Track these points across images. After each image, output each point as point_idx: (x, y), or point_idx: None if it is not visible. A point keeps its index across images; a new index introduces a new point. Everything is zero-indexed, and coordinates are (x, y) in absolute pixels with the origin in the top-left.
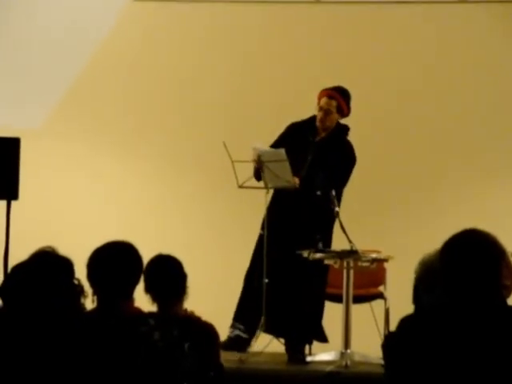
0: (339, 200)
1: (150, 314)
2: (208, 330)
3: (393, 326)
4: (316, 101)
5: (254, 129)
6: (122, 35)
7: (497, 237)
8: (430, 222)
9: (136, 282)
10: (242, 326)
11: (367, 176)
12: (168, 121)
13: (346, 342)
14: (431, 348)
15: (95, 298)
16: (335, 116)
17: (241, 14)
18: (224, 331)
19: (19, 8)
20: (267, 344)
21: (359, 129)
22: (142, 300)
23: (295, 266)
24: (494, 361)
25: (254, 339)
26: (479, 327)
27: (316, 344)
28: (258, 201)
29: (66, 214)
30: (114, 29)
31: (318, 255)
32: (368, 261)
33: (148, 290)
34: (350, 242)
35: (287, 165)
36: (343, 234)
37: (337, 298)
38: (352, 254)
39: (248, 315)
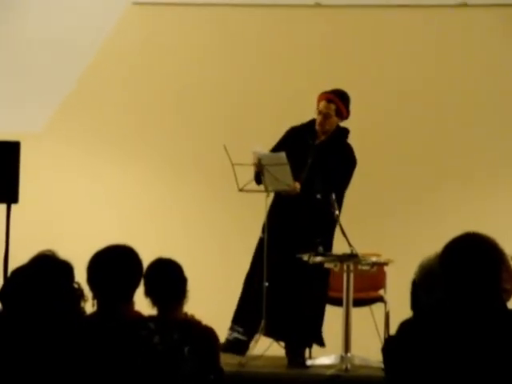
0: (341, 203)
1: (150, 318)
2: (208, 333)
3: (393, 330)
4: (315, 104)
5: (255, 132)
6: (122, 38)
7: (497, 240)
8: (430, 225)
9: (136, 286)
10: (240, 329)
11: (367, 179)
12: (168, 124)
13: (346, 346)
14: (431, 352)
15: (95, 301)
16: (334, 119)
17: (241, 17)
18: (224, 334)
19: (19, 12)
20: (267, 347)
21: (359, 131)
22: (142, 304)
23: (295, 269)
24: (494, 364)
25: (252, 342)
26: (479, 331)
27: (316, 348)
28: (259, 204)
29: (65, 218)
30: (115, 32)
31: (318, 259)
32: (368, 264)
33: (148, 293)
34: (350, 245)
35: (287, 168)
36: (343, 238)
37: (337, 302)
38: (352, 257)
39: (247, 318)
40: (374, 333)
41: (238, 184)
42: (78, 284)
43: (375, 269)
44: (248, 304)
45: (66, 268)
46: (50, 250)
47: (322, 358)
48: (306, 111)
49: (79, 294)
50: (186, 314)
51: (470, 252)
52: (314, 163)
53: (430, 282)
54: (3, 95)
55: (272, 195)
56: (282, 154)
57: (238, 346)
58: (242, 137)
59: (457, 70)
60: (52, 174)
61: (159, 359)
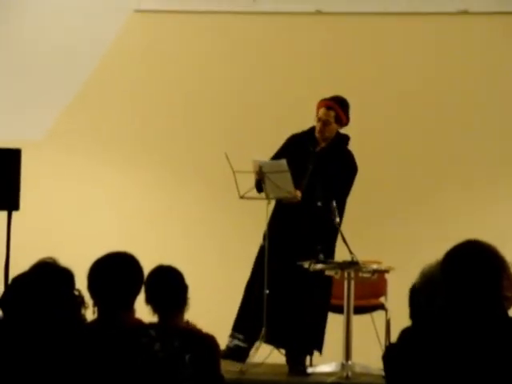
0: (342, 210)
1: (151, 325)
2: (209, 341)
3: (394, 337)
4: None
5: (256, 139)
6: (124, 46)
7: (498, 248)
8: (431, 232)
9: (137, 293)
10: (241, 336)
11: (367, 186)
12: (169, 131)
13: (347, 353)
14: (432, 359)
15: (96, 309)
16: (334, 126)
17: (242, 24)
18: (225, 341)
19: (20, 23)
20: (268, 355)
21: (359, 138)
22: (143, 311)
23: (296, 276)
24: (495, 372)
25: (253, 349)
26: (480, 339)
27: (316, 355)
28: (260, 212)
29: (66, 225)
30: (117, 40)
31: (319, 266)
32: (369, 272)
33: (149, 301)
34: (350, 252)
35: (288, 175)
36: (344, 245)
37: (338, 309)
38: (353, 264)
39: (247, 325)
40: (374, 340)
41: (238, 191)
42: (79, 291)
43: (376, 276)
44: (249, 311)
45: (67, 275)
46: (50, 258)
47: (323, 365)
48: (307, 118)
49: (80, 302)
50: (186, 321)
51: (471, 259)
52: (315, 170)
53: (431, 290)
54: (4, 103)
55: (273, 203)
56: (283, 162)
57: (239, 354)
58: (243, 144)
59: (456, 77)
60: (52, 182)
61: (160, 366)
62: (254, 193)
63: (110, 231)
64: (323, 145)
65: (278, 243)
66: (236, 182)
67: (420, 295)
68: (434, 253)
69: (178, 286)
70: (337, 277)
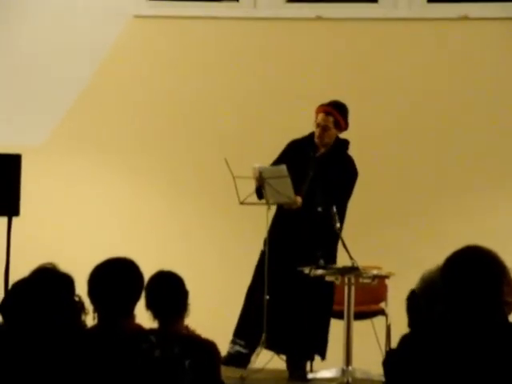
0: (343, 215)
1: (151, 331)
2: (209, 347)
3: (394, 343)
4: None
5: (256, 145)
6: (124, 51)
7: (498, 253)
8: (431, 238)
9: (137, 299)
10: (242, 342)
11: (368, 191)
12: (169, 137)
13: (348, 359)
14: (432, 365)
15: (96, 314)
16: (333, 131)
17: (242, 30)
18: (225, 348)
19: (20, 29)
20: (268, 361)
21: (359, 143)
22: (143, 317)
23: (296, 282)
24: (495, 378)
25: (254, 355)
26: (480, 344)
27: (317, 361)
28: (260, 217)
29: (66, 231)
30: (116, 45)
31: (319, 272)
32: (369, 277)
33: (149, 306)
34: (351, 258)
35: (288, 181)
36: (344, 250)
37: (338, 315)
38: (353, 270)
39: (248, 331)
40: (375, 346)
41: (239, 197)
42: (79, 297)
43: (376, 282)
44: (249, 317)
45: (67, 281)
46: (50, 263)
47: (323, 371)
48: (307, 124)
49: (80, 307)
50: (187, 327)
51: (471, 265)
52: (315, 176)
53: (431, 295)
54: (4, 109)
55: (273, 209)
56: (283, 167)
57: (240, 359)
58: (243, 150)
59: (457, 83)
60: (53, 188)
61: (160, 372)
62: (254, 198)
63: (110, 237)
64: (323, 150)
65: (279, 249)
66: (236, 187)
67: (420, 300)
68: (434, 258)
69: (178, 291)
70: (337, 282)
